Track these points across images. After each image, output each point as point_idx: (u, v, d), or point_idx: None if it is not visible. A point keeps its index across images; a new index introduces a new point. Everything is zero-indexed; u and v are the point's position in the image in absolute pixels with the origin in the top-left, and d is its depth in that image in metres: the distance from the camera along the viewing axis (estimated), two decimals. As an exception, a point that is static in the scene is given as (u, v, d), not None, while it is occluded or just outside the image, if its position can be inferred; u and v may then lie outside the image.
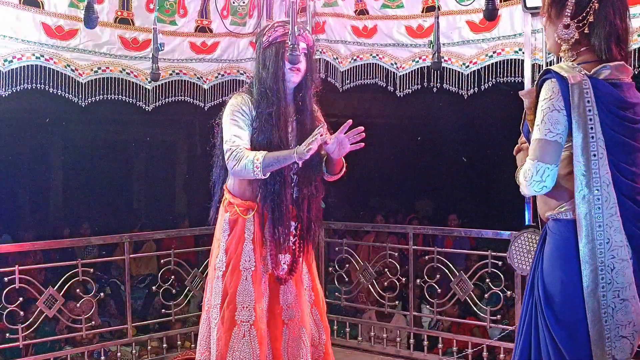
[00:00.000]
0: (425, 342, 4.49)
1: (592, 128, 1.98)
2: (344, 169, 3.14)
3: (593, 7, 2.08)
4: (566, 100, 2.00)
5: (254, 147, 2.95)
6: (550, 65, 2.49)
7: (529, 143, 2.14)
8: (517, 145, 2.28)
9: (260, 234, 3.01)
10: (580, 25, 2.09)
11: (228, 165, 2.93)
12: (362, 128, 2.91)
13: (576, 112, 1.99)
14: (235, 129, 2.94)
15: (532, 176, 2.02)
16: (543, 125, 2.02)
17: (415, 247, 4.59)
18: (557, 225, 2.10)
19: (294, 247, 3.08)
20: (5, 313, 4.02)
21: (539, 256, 2.16)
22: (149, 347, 4.52)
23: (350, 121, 2.86)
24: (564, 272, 2.04)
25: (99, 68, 4.29)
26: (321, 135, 2.80)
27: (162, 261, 4.62)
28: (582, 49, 2.11)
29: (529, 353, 2.13)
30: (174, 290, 4.62)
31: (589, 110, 1.98)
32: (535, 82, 2.13)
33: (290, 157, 2.82)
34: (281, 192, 2.97)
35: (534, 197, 2.26)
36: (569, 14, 2.10)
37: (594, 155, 1.98)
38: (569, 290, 2.03)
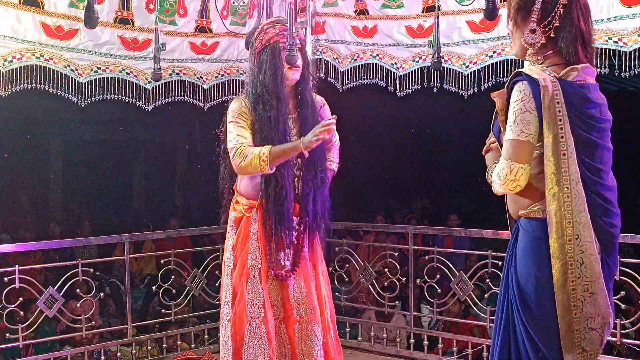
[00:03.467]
0: (425, 342, 4.49)
1: (561, 128, 2.05)
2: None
3: (558, 12, 2.14)
4: (537, 101, 2.06)
5: None
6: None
7: (499, 143, 2.23)
8: (485, 146, 2.33)
9: (263, 232, 3.03)
10: (547, 29, 2.15)
11: (234, 163, 2.94)
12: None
13: (547, 113, 2.05)
14: (238, 130, 2.97)
15: (506, 175, 2.09)
16: (515, 126, 2.08)
17: (415, 247, 4.59)
18: (530, 224, 2.16)
19: (296, 242, 3.09)
20: (5, 313, 4.03)
21: (511, 254, 2.21)
22: (149, 347, 4.52)
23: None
24: (537, 268, 2.10)
25: (99, 68, 4.29)
26: (328, 127, 2.81)
27: (162, 261, 4.62)
28: (548, 53, 2.18)
29: (508, 352, 2.18)
30: (174, 290, 4.62)
31: (559, 111, 2.06)
32: (506, 84, 2.19)
33: (296, 149, 2.87)
34: (282, 189, 2.98)
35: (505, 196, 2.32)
36: (535, 19, 2.16)
37: (564, 154, 2.05)
38: (542, 285, 2.09)
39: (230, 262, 3.08)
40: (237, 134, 2.96)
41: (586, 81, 2.14)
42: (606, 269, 2.11)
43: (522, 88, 2.09)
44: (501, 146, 2.22)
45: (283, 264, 3.06)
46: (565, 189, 2.04)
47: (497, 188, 2.15)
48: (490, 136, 2.33)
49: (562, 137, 2.05)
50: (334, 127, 2.86)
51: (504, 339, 2.18)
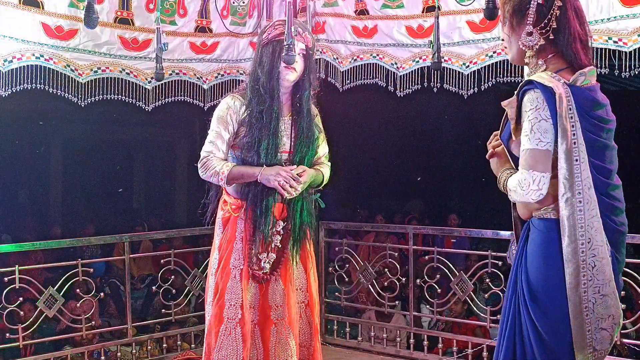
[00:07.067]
0: (425, 342, 4.49)
1: (574, 134, 2.07)
2: (324, 182, 3.20)
3: (554, 13, 2.15)
4: (552, 109, 2.07)
5: (243, 146, 2.99)
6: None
7: (508, 150, 2.24)
8: (490, 151, 2.33)
9: (247, 232, 3.03)
10: (544, 32, 2.16)
11: (199, 172, 3.03)
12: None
13: (561, 120, 2.06)
14: (213, 137, 3.04)
15: (529, 185, 2.09)
16: (533, 135, 2.09)
17: (415, 247, 4.59)
18: (543, 224, 2.16)
19: (280, 246, 3.08)
20: (5, 313, 4.02)
21: (521, 253, 2.21)
22: (149, 347, 4.52)
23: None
24: (548, 268, 2.12)
25: (99, 68, 4.29)
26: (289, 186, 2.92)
27: (162, 261, 4.62)
28: (549, 56, 2.19)
29: (514, 350, 2.18)
30: (174, 290, 4.62)
31: (571, 118, 2.07)
32: (516, 92, 2.19)
33: (254, 177, 2.94)
34: (264, 190, 2.98)
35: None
36: (530, 22, 2.17)
37: (576, 160, 2.07)
38: (553, 284, 2.10)
39: (215, 262, 3.09)
40: (209, 141, 3.04)
41: (592, 83, 2.15)
42: (615, 265, 2.14)
43: (535, 96, 2.09)
44: (509, 153, 2.23)
45: (263, 265, 3.05)
46: (578, 194, 2.06)
47: (519, 198, 2.15)
48: (490, 140, 2.33)
49: (575, 143, 2.06)
50: (296, 185, 2.94)
51: (510, 337, 2.19)
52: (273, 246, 3.06)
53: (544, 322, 2.10)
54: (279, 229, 3.07)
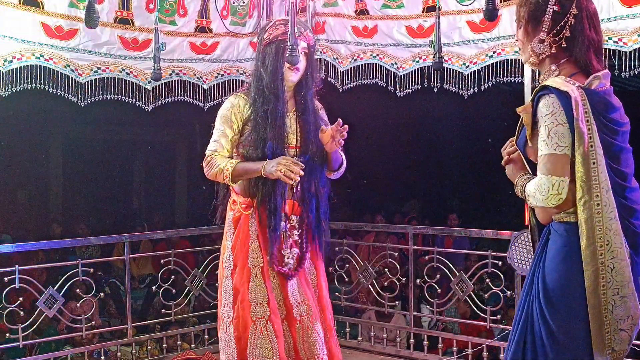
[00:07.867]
0: (425, 342, 4.49)
1: (590, 137, 2.08)
2: (344, 166, 3.16)
3: (569, 22, 2.16)
4: (568, 113, 2.07)
5: (249, 145, 2.98)
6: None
7: (524, 156, 2.25)
8: (505, 157, 2.33)
9: (261, 230, 3.01)
10: (557, 39, 2.17)
11: (204, 170, 3.01)
12: (347, 127, 2.94)
13: (578, 124, 2.07)
14: (217, 135, 3.02)
15: (548, 190, 2.09)
16: (550, 140, 2.09)
17: (415, 247, 4.59)
18: (563, 227, 2.16)
19: (300, 241, 3.07)
20: (5, 313, 4.02)
21: (540, 256, 2.21)
22: (149, 347, 4.52)
23: (340, 120, 2.92)
24: (567, 270, 2.12)
25: (99, 68, 4.29)
26: (293, 174, 2.85)
27: (162, 261, 4.62)
28: (561, 62, 2.20)
29: (523, 351, 2.18)
30: (174, 290, 4.62)
31: (587, 121, 2.08)
32: (531, 98, 2.19)
33: (258, 172, 2.91)
34: (273, 186, 2.97)
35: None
36: (545, 29, 2.18)
37: (594, 163, 2.07)
38: (571, 286, 2.11)
39: (229, 263, 3.05)
40: (214, 140, 3.02)
41: (606, 87, 2.17)
42: (635, 268, 2.14)
43: (551, 101, 2.09)
44: (525, 159, 2.24)
45: (286, 261, 3.04)
46: (596, 197, 2.07)
47: (539, 203, 2.15)
48: (505, 146, 2.33)
49: (592, 146, 2.07)
50: (297, 177, 2.86)
51: (520, 337, 2.20)
52: (291, 241, 3.04)
53: (558, 323, 2.10)
54: (293, 224, 3.05)
